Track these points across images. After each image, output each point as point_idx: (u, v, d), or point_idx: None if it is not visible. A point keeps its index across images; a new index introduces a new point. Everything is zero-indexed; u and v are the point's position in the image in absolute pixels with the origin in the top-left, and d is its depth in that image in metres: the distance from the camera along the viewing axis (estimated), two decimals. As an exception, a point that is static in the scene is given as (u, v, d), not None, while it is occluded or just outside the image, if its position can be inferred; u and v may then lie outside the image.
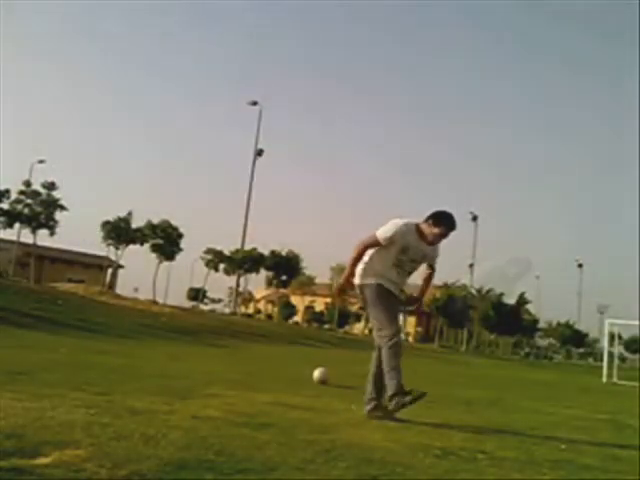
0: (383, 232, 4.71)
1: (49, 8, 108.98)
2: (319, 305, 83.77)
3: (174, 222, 57.23)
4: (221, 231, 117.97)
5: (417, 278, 5.16)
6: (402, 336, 4.88)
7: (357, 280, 4.83)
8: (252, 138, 53.10)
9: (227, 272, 64.80)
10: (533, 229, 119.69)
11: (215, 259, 64.89)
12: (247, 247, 58.84)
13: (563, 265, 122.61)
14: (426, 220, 4.79)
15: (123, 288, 59.24)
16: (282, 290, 73.10)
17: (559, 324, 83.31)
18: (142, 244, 56.62)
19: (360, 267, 4.79)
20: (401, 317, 4.95)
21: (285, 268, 66.21)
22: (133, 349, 12.69)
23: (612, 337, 32.21)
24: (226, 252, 63.66)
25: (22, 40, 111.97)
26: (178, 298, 74.61)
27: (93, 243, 75.28)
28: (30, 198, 51.13)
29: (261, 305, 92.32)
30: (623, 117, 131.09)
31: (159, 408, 4.19)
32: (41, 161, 53.47)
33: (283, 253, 66.07)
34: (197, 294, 77.49)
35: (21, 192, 51.24)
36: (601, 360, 33.31)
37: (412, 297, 5.25)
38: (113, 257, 58.63)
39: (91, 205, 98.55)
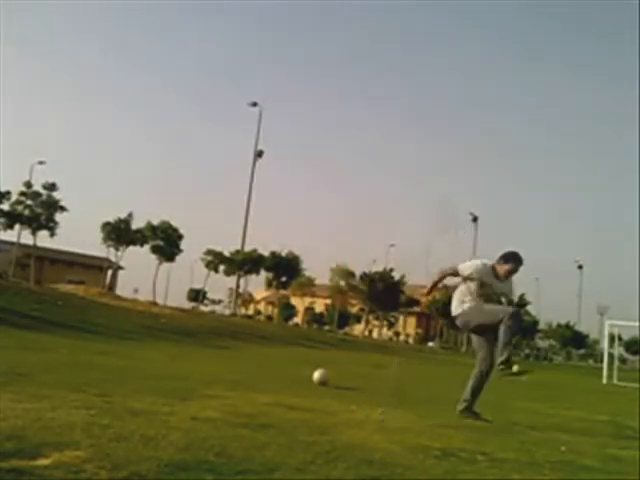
0: (463, 267, 5.54)
1: (49, 8, 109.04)
2: (319, 306, 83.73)
3: (174, 223, 57.35)
4: (221, 232, 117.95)
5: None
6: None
7: (455, 311, 5.61)
8: (252, 139, 53.24)
9: (227, 273, 64.81)
10: (533, 229, 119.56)
11: (215, 260, 64.90)
12: (247, 248, 58.88)
13: (563, 266, 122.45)
14: (498, 260, 5.57)
15: (123, 289, 59.24)
16: (282, 291, 73.09)
17: (559, 325, 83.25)
18: (142, 245, 56.65)
19: (455, 302, 5.61)
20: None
21: (285, 269, 66.22)
22: (133, 350, 12.68)
23: (612, 338, 32.17)
24: (226, 253, 63.68)
25: (22, 40, 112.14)
26: (178, 299, 74.50)
27: (93, 244, 75.06)
28: (31, 199, 51.13)
29: (261, 306, 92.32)
30: (623, 117, 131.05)
31: (159, 409, 4.19)
32: (41, 162, 53.45)
33: (283, 254, 66.08)
34: (197, 295, 77.48)
35: (22, 193, 51.24)
36: (601, 361, 33.32)
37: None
38: (113, 258, 58.68)
39: (91, 206, 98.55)
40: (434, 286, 5.84)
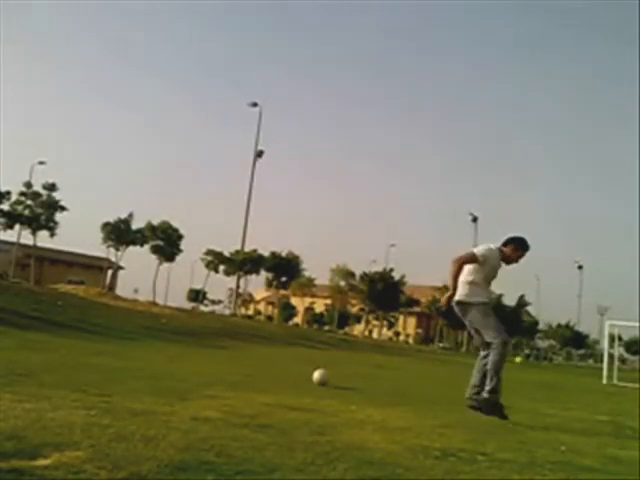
0: (479, 252, 5.48)
1: (49, 8, 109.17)
2: (319, 306, 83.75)
3: (174, 223, 57.35)
4: (221, 232, 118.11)
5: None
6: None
7: (465, 298, 5.43)
8: (252, 139, 53.23)
9: (227, 273, 64.83)
10: (533, 230, 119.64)
11: (215, 260, 64.92)
12: (247, 248, 58.86)
13: (563, 266, 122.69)
14: (505, 244, 5.64)
15: (123, 289, 59.37)
16: (282, 291, 73.08)
17: (559, 325, 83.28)
18: (142, 245, 56.69)
19: (467, 287, 5.44)
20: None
21: (285, 269, 66.20)
22: (133, 350, 12.67)
23: (612, 338, 32.15)
24: (226, 253, 63.70)
25: (22, 40, 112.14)
26: (178, 299, 74.70)
27: (93, 244, 75.47)
28: (31, 199, 51.14)
29: (261, 306, 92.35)
30: (623, 117, 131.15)
31: (159, 409, 4.19)
32: (41, 162, 53.45)
33: (283, 254, 66.07)
34: (197, 295, 77.54)
35: (22, 193, 51.24)
36: (601, 361, 33.29)
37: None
38: (113, 258, 58.70)
39: (91, 206, 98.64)
40: (455, 279, 5.43)
